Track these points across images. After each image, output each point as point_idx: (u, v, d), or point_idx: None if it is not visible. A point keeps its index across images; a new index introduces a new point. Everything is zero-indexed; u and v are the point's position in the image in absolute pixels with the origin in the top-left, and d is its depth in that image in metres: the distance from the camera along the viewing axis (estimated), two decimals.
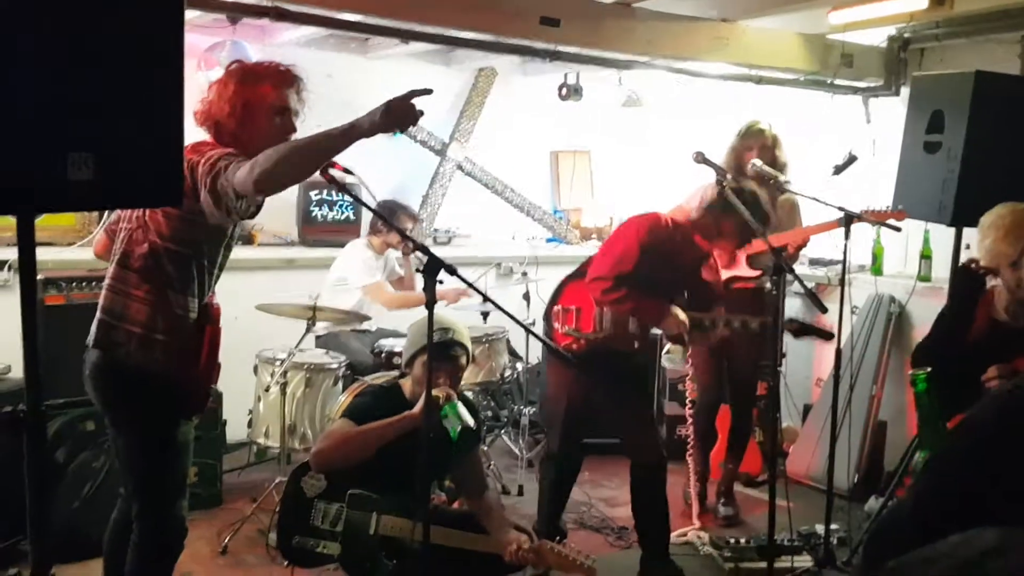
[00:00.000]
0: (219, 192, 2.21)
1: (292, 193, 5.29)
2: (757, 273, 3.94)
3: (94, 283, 3.61)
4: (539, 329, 3.51)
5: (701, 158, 3.27)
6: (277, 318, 4.02)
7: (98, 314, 2.40)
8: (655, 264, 3.18)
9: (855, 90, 5.15)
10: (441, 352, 2.86)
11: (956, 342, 2.69)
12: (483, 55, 5.17)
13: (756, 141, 3.90)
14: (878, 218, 3.46)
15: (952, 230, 3.50)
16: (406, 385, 3.04)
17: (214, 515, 3.93)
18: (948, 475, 1.19)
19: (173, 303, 2.36)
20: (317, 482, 2.89)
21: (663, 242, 3.21)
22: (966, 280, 2.78)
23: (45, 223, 4.30)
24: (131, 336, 2.33)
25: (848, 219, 3.36)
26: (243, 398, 4.15)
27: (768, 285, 3.90)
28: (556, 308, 3.35)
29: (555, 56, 4.33)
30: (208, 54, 4.61)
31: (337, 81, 5.37)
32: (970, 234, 3.30)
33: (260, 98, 2.41)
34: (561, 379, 3.42)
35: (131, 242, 2.38)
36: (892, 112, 4.88)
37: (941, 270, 4.29)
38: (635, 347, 3.35)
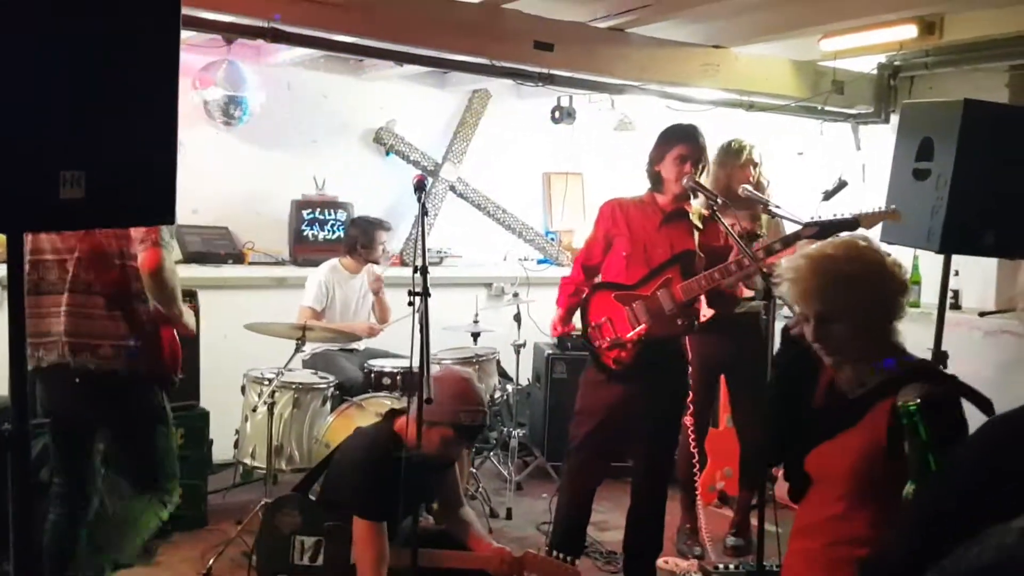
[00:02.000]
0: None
1: (283, 212, 5.29)
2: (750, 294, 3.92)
3: None
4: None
5: (693, 182, 3.28)
6: (266, 337, 4.00)
7: (63, 337, 2.68)
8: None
9: (845, 117, 5.20)
10: (470, 436, 2.91)
11: (787, 420, 2.17)
12: (477, 78, 5.20)
13: (748, 162, 3.91)
14: (871, 220, 3.44)
15: (941, 257, 3.52)
16: (401, 425, 2.84)
17: (198, 536, 3.89)
18: (940, 504, 1.19)
19: (142, 313, 2.74)
20: (292, 518, 2.87)
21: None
22: (785, 345, 2.11)
23: None
24: (119, 349, 2.73)
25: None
26: (230, 418, 4.12)
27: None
28: (590, 329, 3.30)
29: (549, 80, 4.35)
30: (203, 73, 4.63)
31: (332, 102, 5.40)
32: (959, 261, 3.32)
33: None
34: (599, 396, 3.29)
35: (84, 268, 2.67)
36: (882, 139, 4.92)
37: (930, 296, 4.31)
38: (679, 324, 3.25)
